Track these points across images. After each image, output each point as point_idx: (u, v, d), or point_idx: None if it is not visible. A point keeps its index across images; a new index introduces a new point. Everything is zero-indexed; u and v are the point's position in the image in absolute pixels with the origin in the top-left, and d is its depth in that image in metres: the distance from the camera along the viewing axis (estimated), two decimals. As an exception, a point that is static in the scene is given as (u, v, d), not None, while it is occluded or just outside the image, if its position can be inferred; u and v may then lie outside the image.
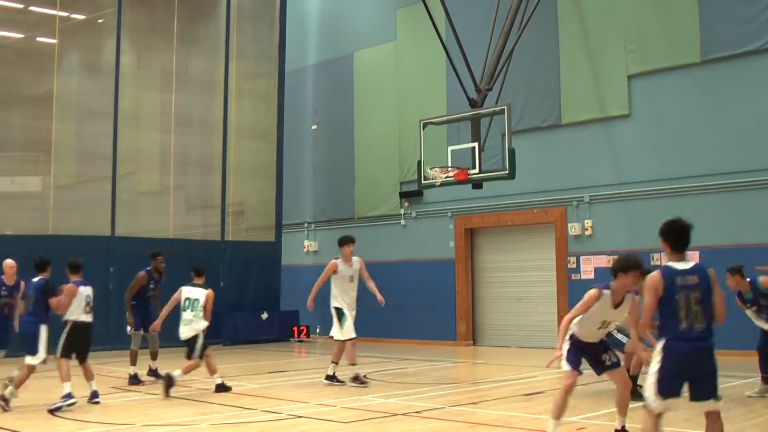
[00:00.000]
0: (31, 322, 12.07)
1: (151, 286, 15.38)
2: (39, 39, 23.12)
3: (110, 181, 22.48)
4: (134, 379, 14.53)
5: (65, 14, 22.78)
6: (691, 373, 6.83)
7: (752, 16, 18.49)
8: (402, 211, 24.80)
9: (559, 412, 8.56)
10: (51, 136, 21.82)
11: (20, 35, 23.12)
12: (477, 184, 19.57)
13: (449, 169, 18.78)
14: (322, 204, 27.37)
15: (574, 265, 20.96)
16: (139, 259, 16.81)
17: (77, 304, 12.16)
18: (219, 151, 25.03)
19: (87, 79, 23.36)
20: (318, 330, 25.37)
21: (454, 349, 21.78)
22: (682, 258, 6.96)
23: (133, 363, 14.68)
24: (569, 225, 21.08)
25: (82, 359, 12.23)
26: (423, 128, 19.48)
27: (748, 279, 12.10)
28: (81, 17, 23.60)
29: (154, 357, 15.18)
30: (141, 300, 15.16)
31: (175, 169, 24.09)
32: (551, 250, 21.55)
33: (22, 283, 13.62)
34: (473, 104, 19.46)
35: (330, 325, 14.33)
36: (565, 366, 8.68)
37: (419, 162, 19.44)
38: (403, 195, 24.66)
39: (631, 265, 8.31)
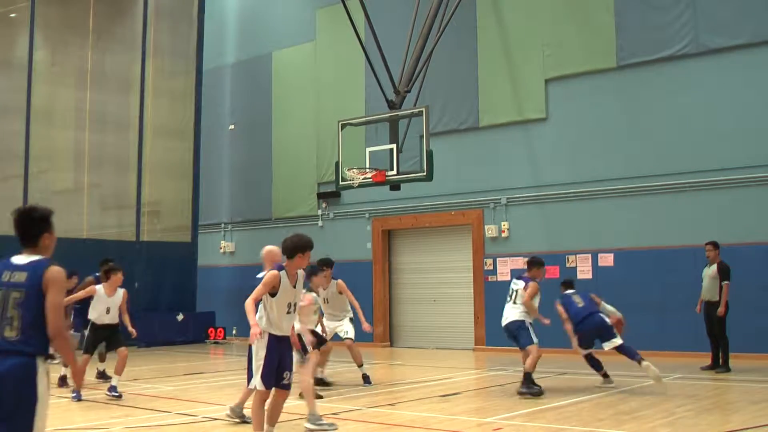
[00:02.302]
0: None
1: None
2: (-52, 32, 22.56)
3: (22, 180, 21.98)
4: (62, 381, 14.18)
5: (-24, 7, 22.24)
6: None
7: (666, 23, 18.89)
8: (319, 212, 24.72)
9: None
10: (-40, 133, 21.28)
11: (-72, 28, 22.52)
12: (395, 186, 19.61)
13: (367, 170, 18.79)
14: (239, 204, 27.15)
15: (491, 267, 21.13)
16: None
17: None
18: (135, 150, 24.64)
19: (-2, 75, 22.83)
20: (234, 332, 25.16)
21: (372, 350, 21.75)
22: (29, 252, 5.77)
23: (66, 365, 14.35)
24: (486, 227, 21.25)
25: None
26: (341, 129, 19.49)
27: None
28: (-8, 11, 23.06)
29: (102, 359, 14.91)
30: (85, 303, 14.67)
31: (89, 167, 23.64)
32: (468, 251, 21.71)
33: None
34: (392, 106, 19.50)
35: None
36: None
37: (337, 163, 19.42)
38: (321, 196, 24.59)
39: None
